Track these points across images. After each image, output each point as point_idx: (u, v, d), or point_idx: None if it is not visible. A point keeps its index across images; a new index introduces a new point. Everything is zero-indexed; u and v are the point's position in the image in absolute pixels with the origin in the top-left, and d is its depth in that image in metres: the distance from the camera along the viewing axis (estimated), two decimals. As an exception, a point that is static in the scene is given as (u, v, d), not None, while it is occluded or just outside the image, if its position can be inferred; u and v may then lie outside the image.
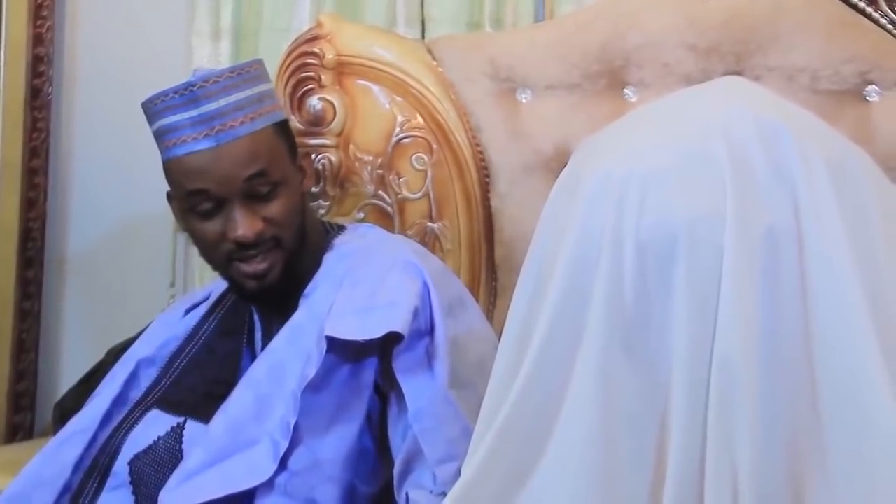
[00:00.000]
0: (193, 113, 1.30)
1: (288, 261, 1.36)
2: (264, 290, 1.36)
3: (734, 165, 0.90)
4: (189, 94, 1.30)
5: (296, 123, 1.66)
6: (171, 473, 1.28)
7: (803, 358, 0.89)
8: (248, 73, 1.35)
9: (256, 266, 1.34)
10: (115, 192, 2.21)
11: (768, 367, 0.88)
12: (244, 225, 1.32)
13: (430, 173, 1.67)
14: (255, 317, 1.46)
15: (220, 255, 1.36)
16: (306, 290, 1.38)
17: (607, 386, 0.90)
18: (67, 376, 2.18)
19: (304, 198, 1.43)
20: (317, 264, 1.41)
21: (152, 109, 1.34)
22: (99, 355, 2.03)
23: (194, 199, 1.33)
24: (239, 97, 1.33)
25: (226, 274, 1.39)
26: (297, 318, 1.35)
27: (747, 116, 0.94)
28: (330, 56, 1.67)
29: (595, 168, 0.95)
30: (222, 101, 1.31)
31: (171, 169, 1.36)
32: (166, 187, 1.42)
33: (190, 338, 1.49)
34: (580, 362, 0.91)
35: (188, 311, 1.54)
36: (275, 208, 1.34)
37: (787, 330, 0.89)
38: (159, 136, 1.35)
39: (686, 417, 0.87)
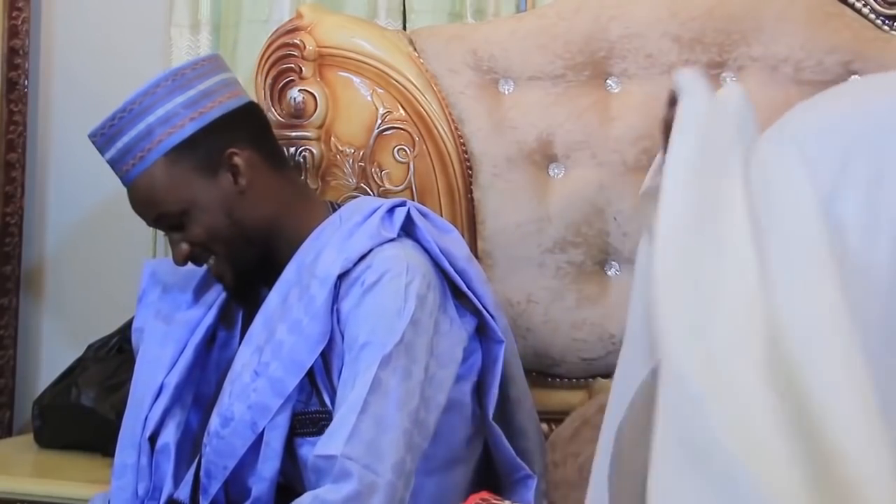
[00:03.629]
0: (106, 158, 1.38)
1: (239, 266, 1.37)
2: (233, 289, 1.40)
3: None
4: (95, 144, 1.38)
5: (276, 116, 1.64)
6: None
7: None
8: (133, 109, 1.33)
9: (214, 271, 1.39)
10: (94, 186, 2.18)
11: None
12: (174, 252, 1.37)
13: (412, 165, 1.66)
14: None
15: None
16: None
17: None
18: (46, 373, 2.16)
19: (237, 200, 1.35)
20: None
21: None
22: (78, 351, 2.01)
23: None
24: (125, 141, 1.34)
25: None
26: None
27: None
28: (310, 47, 1.65)
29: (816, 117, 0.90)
30: (112, 151, 1.36)
31: None
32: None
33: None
34: None
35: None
36: (191, 233, 1.35)
37: None
38: None
39: None
